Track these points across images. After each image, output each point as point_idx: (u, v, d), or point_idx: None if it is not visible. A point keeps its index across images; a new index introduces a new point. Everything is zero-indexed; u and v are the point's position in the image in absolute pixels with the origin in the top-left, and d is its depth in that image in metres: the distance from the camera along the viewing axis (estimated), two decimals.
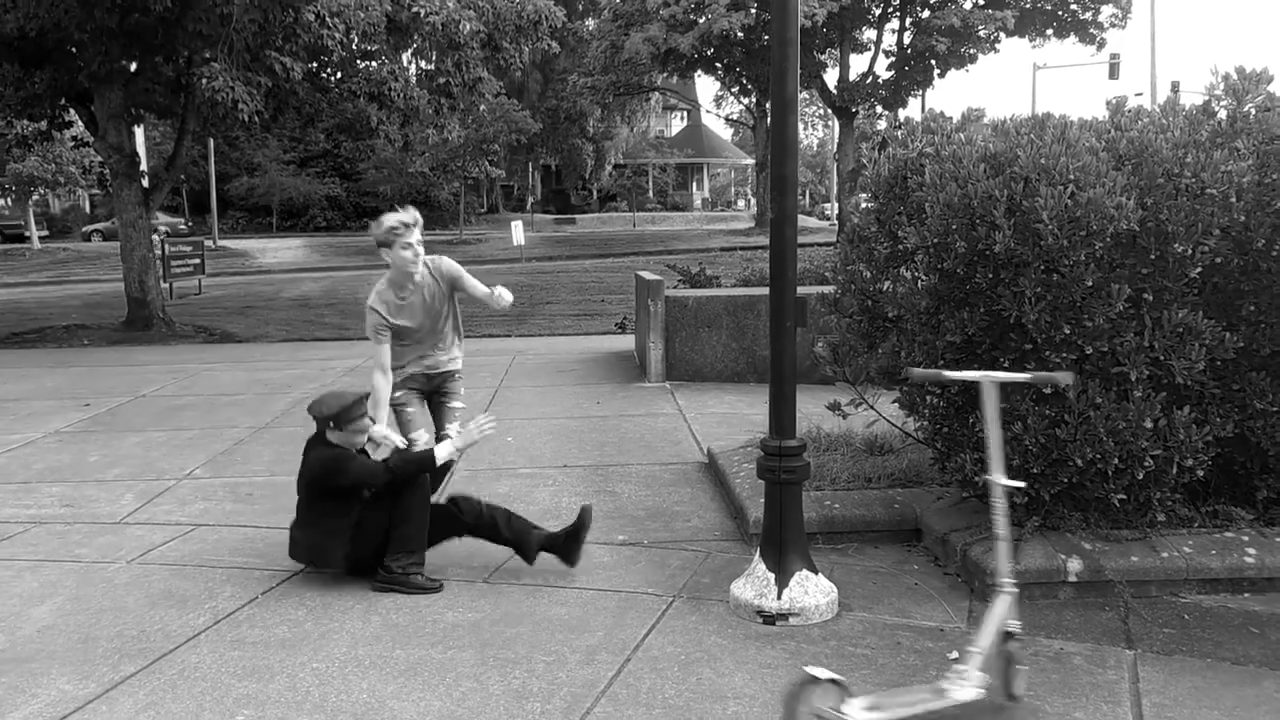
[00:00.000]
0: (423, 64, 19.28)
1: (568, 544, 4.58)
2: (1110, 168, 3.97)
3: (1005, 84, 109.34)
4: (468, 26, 15.03)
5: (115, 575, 4.72)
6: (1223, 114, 4.43)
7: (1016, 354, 4.19)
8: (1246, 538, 4.19)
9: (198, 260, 21.79)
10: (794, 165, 4.14)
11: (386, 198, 47.50)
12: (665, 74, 41.29)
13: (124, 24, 12.88)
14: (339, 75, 16.19)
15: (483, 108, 29.67)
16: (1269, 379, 4.12)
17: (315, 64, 15.49)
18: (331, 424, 4.45)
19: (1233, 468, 4.36)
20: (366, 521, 4.44)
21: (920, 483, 5.18)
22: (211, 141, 36.82)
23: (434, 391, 4.96)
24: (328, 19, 13.59)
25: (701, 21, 32.04)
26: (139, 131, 20.48)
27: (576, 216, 53.38)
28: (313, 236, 43.42)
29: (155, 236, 32.39)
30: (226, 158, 45.38)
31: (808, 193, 71.97)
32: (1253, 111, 4.34)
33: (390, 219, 4.63)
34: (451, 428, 4.88)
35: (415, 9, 14.55)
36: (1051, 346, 4.03)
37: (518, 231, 33.46)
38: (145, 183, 15.47)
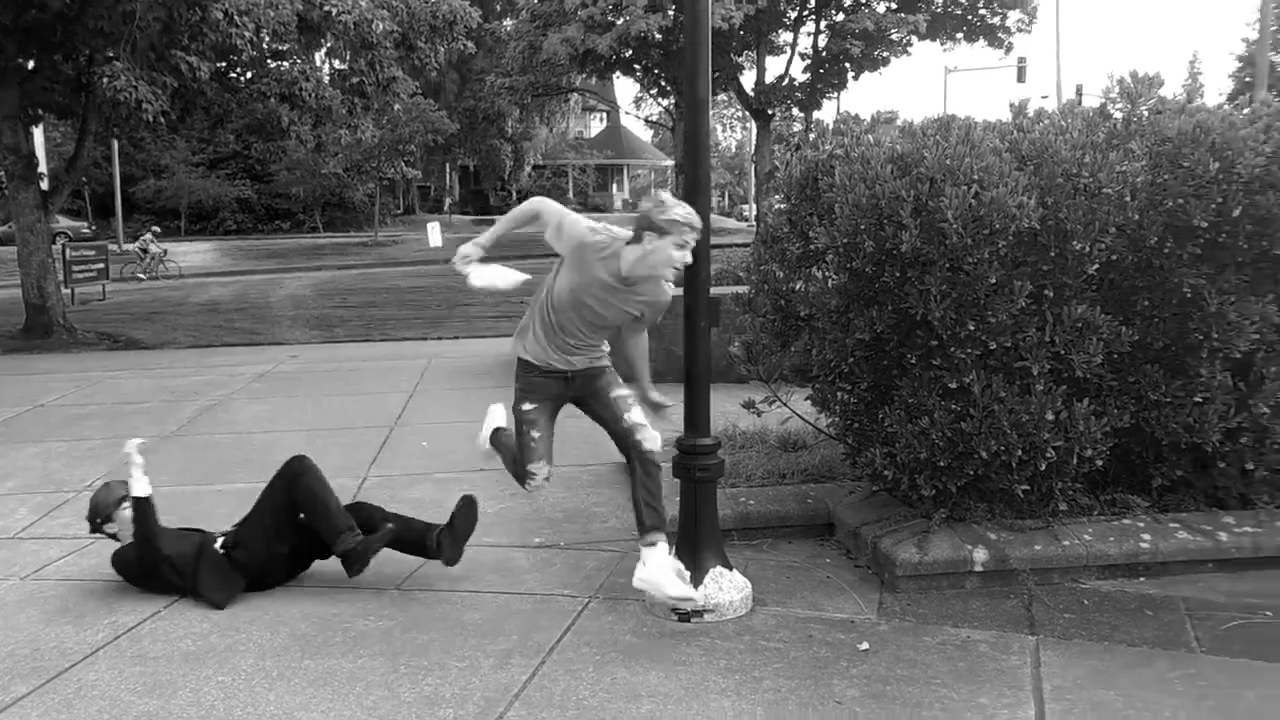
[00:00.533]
0: (336, 64, 18.94)
1: (441, 539, 4.43)
2: (1013, 168, 4.08)
3: (918, 87, 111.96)
4: (381, 26, 14.80)
5: (7, 593, 4.52)
6: (1118, 116, 4.60)
7: (923, 350, 4.28)
8: (1142, 524, 4.34)
9: (101, 265, 21.11)
10: (707, 166, 4.17)
11: (299, 199, 46.58)
12: (584, 75, 41.16)
13: (20, 20, 12.39)
14: (249, 75, 15.80)
15: (398, 108, 29.19)
16: (1162, 371, 4.28)
17: (224, 63, 15.09)
18: (100, 522, 4.46)
19: (1130, 457, 4.51)
20: (243, 547, 4.35)
21: (833, 478, 5.25)
22: (116, 143, 35.57)
23: (583, 395, 4.30)
24: (236, 17, 13.24)
25: (619, 23, 31.98)
26: (37, 132, 19.64)
27: (495, 217, 52.05)
28: (223, 240, 42.30)
29: (145, 240, 29.80)
30: (132, 159, 43.91)
31: (726, 194, 72.53)
32: (1145, 114, 4.51)
33: (682, 209, 3.65)
34: (632, 414, 4.25)
35: (327, 8, 14.27)
36: (957, 343, 4.12)
37: (434, 233, 32.95)
38: (44, 185, 14.88)
